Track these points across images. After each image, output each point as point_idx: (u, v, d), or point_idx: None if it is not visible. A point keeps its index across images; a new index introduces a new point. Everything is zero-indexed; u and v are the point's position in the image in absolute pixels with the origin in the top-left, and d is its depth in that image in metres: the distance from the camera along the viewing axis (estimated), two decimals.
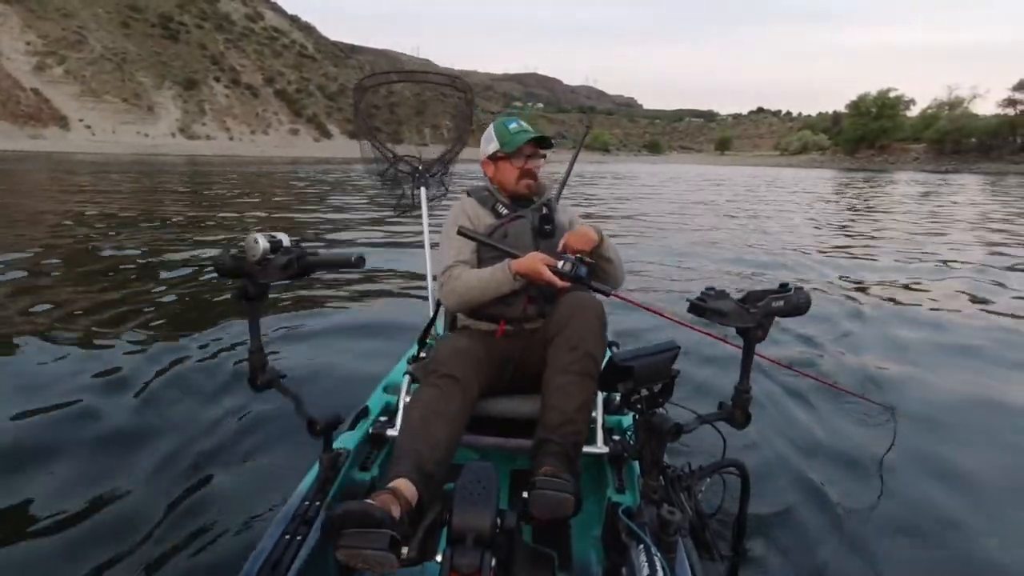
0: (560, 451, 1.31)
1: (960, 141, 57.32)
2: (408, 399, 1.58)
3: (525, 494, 1.19)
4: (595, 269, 1.57)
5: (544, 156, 1.77)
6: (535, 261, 1.47)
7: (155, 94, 71.35)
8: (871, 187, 23.89)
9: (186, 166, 29.57)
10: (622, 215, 11.25)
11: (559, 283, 1.45)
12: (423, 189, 2.50)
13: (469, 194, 1.82)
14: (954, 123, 58.69)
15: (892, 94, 68.24)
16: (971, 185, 26.50)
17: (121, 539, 1.66)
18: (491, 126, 1.80)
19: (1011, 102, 55.20)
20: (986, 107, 66.34)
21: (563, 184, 1.99)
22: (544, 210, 1.70)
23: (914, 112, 68.38)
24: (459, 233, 1.57)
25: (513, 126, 1.76)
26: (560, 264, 1.45)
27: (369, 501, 1.00)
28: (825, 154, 78.62)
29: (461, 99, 2.71)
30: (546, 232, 1.66)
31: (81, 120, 60.35)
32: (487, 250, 1.63)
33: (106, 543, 1.64)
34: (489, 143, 1.76)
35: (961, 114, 60.94)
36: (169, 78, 74.60)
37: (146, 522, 1.73)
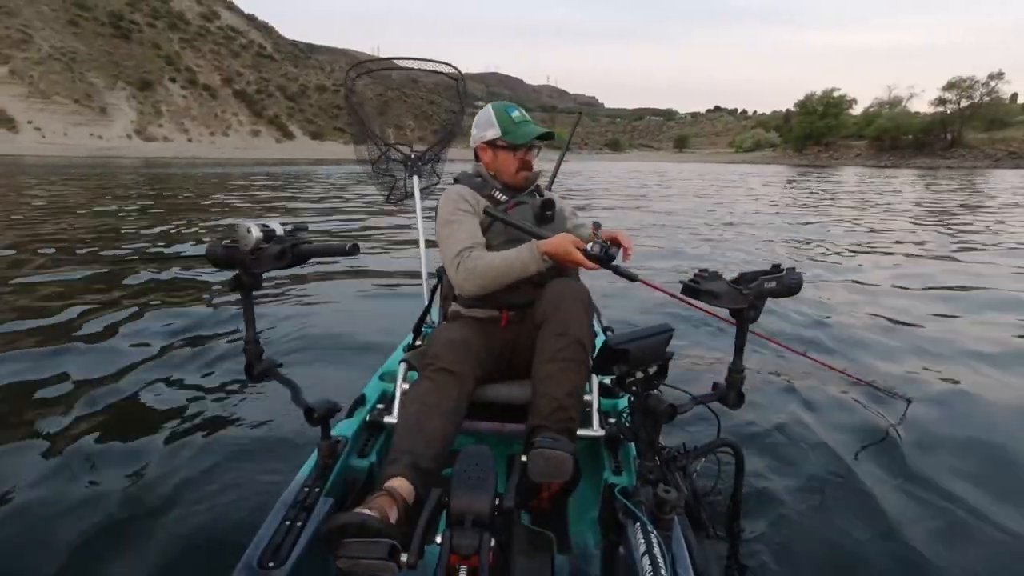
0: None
1: (898, 138, 60.79)
2: (405, 386, 1.59)
3: (523, 457, 1.20)
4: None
5: (539, 148, 1.73)
6: (566, 242, 1.43)
7: (108, 95, 69.39)
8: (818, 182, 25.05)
9: (146, 168, 29.24)
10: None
11: (589, 265, 1.44)
12: (416, 178, 2.47)
13: (458, 180, 1.76)
14: (892, 121, 62.08)
15: (836, 94, 71.60)
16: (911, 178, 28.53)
17: (119, 527, 1.67)
18: (488, 110, 1.71)
19: (942, 101, 58.86)
20: (922, 106, 70.35)
21: (553, 176, 2.01)
22: (538, 196, 1.71)
23: (857, 110, 72.03)
24: (486, 213, 1.57)
25: (516, 115, 1.68)
26: (590, 246, 1.43)
27: (366, 512, 1.00)
28: (776, 151, 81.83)
29: (453, 86, 2.64)
30: (547, 218, 1.66)
31: (30, 122, 58.33)
32: (494, 236, 1.61)
33: (102, 532, 1.65)
34: (487, 128, 1.68)
35: (899, 112, 64.50)
36: (122, 79, 72.62)
37: (145, 510, 1.74)
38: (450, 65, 2.70)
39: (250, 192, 15.35)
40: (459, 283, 1.55)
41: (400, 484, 1.15)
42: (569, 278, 1.61)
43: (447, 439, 1.30)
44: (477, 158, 1.78)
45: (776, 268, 1.28)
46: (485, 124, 1.70)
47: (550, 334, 1.42)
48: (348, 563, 0.92)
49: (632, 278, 1.49)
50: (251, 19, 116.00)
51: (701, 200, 14.96)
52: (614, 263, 1.46)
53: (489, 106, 1.73)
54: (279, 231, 1.14)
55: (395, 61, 2.80)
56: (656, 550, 1.08)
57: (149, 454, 2.07)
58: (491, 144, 1.69)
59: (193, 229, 7.82)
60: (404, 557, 0.93)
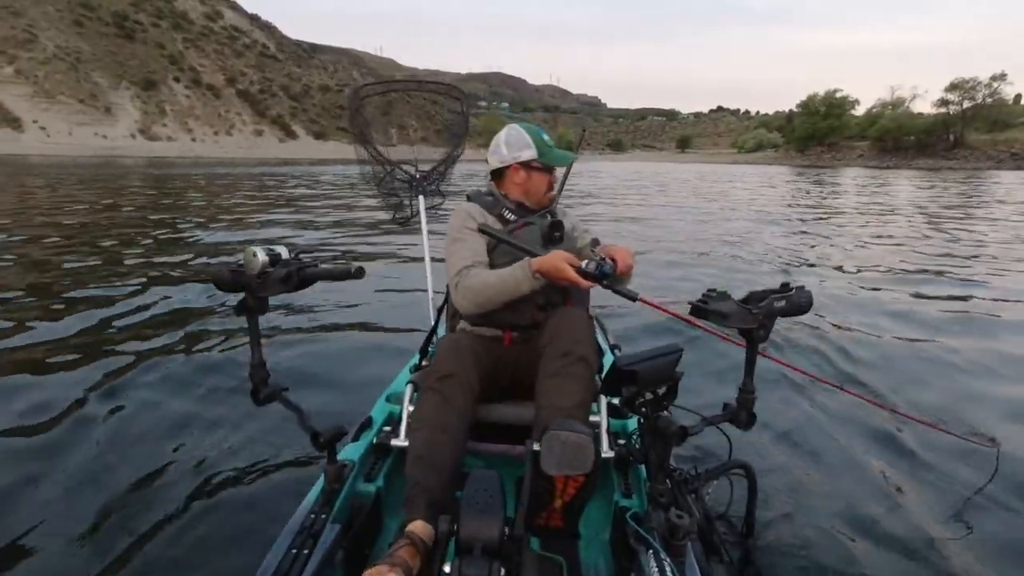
0: None
1: (900, 139, 60.78)
2: (412, 408, 1.56)
3: (536, 445, 1.12)
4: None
5: None
6: (558, 259, 1.40)
7: (112, 95, 69.64)
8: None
9: (154, 169, 29.28)
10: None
11: (583, 283, 1.39)
12: (421, 198, 2.48)
13: (470, 198, 1.76)
14: (895, 122, 62.10)
15: (838, 94, 71.71)
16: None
17: (125, 557, 1.63)
18: (521, 131, 1.72)
19: (944, 102, 58.87)
20: (924, 107, 70.60)
21: (560, 187, 2.00)
22: (549, 217, 1.68)
23: (860, 111, 72.07)
24: (480, 230, 1.56)
25: (547, 138, 1.73)
26: (584, 264, 1.40)
27: None
28: (779, 151, 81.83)
29: (458, 106, 2.67)
30: (555, 239, 1.63)
31: (35, 121, 58.55)
32: (499, 255, 1.60)
33: (109, 561, 1.62)
34: (523, 149, 1.69)
35: (901, 113, 64.49)
36: (126, 78, 72.88)
37: (151, 538, 1.71)
38: (454, 87, 2.72)
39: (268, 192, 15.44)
40: (458, 301, 1.56)
41: (419, 527, 1.19)
42: (581, 297, 1.63)
43: (458, 459, 1.33)
44: (494, 177, 1.77)
45: (785, 286, 1.27)
46: (521, 145, 1.70)
47: (554, 355, 1.41)
48: None
49: (632, 298, 1.44)
50: (254, 19, 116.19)
51: (702, 201, 15.10)
52: (609, 281, 1.41)
53: (518, 127, 1.74)
54: (285, 254, 1.16)
55: (401, 82, 2.85)
56: None
57: (149, 479, 2.03)
58: (525, 165, 1.70)
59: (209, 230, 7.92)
60: None
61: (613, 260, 1.45)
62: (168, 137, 70.07)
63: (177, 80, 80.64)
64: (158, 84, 76.69)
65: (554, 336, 1.45)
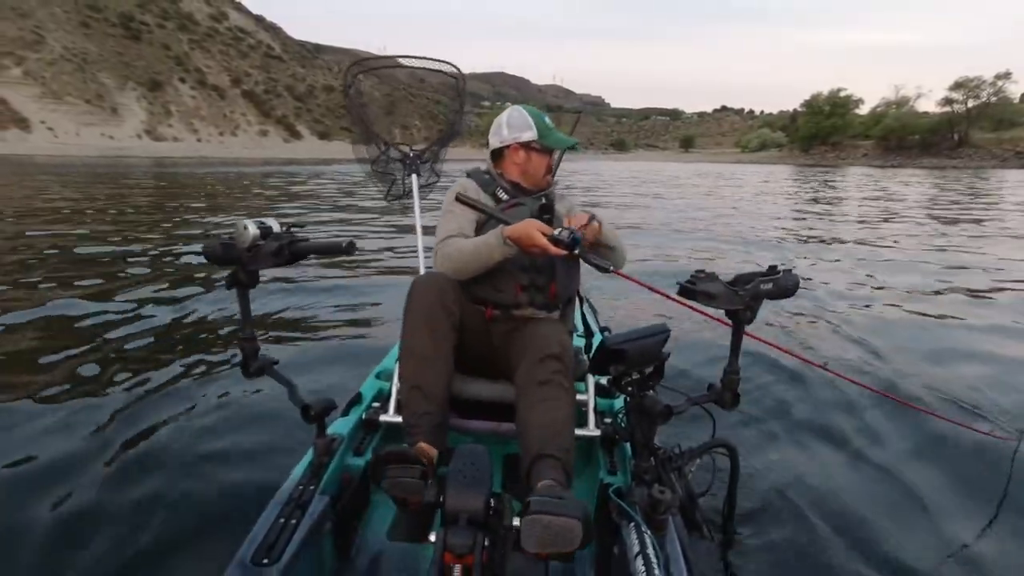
0: (560, 465, 1.25)
1: (904, 138, 60.69)
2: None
3: (516, 521, 1.06)
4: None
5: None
6: (529, 226, 1.41)
7: (119, 95, 70.10)
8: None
9: (159, 168, 29.57)
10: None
11: (553, 250, 1.39)
12: (415, 176, 2.46)
13: (469, 175, 1.78)
14: (899, 121, 61.99)
15: (842, 94, 71.67)
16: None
17: (111, 524, 1.65)
18: (523, 112, 1.74)
19: (948, 101, 58.73)
20: (929, 106, 70.46)
21: (553, 173, 1.98)
22: (543, 200, 1.67)
23: (864, 110, 71.95)
24: (458, 199, 1.56)
25: (548, 121, 1.74)
26: (557, 231, 1.39)
27: (405, 446, 1.16)
28: (783, 151, 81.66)
29: (453, 84, 2.62)
30: (544, 221, 1.57)
31: (43, 122, 59.00)
32: (487, 229, 1.59)
33: (94, 529, 1.63)
34: (524, 130, 1.70)
35: (906, 112, 64.37)
36: (133, 79, 73.33)
37: (138, 507, 1.73)
38: (450, 64, 2.62)
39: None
40: (438, 269, 1.58)
41: (425, 447, 1.32)
42: (568, 278, 1.67)
43: (448, 388, 1.44)
44: (494, 158, 1.79)
45: (772, 269, 1.28)
46: (522, 126, 1.71)
47: (532, 382, 1.38)
48: (390, 483, 1.10)
49: (604, 269, 1.45)
50: (259, 20, 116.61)
51: (701, 195, 15.19)
52: (579, 249, 1.40)
53: (521, 109, 1.76)
54: (276, 228, 1.14)
55: (396, 59, 2.77)
56: (650, 550, 1.10)
57: (140, 449, 2.06)
58: (525, 145, 1.71)
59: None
60: (429, 482, 1.10)
61: (573, 229, 1.44)
62: (174, 137, 70.48)
63: (183, 81, 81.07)
64: (164, 85, 77.12)
65: (535, 359, 1.40)
